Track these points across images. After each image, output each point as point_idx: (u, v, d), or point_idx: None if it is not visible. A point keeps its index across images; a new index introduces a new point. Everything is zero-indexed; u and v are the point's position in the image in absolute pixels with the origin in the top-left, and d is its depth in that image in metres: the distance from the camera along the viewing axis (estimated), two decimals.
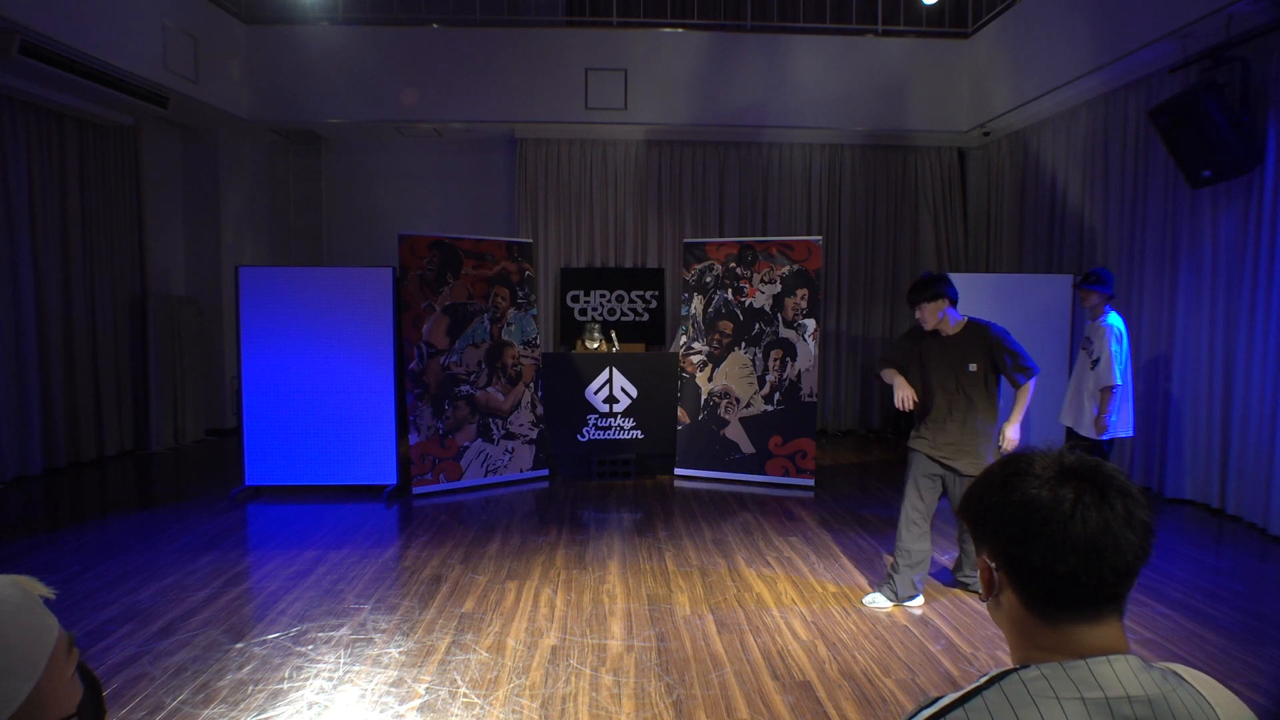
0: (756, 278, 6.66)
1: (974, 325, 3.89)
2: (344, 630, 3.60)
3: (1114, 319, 4.81)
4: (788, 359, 6.54)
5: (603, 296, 9.07)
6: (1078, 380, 5.04)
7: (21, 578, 0.89)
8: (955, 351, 3.87)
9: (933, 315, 3.87)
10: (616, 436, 6.93)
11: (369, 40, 8.20)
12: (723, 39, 8.41)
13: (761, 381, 6.61)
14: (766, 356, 6.61)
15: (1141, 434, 6.11)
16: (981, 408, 3.83)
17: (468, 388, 6.33)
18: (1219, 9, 5.04)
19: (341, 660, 3.31)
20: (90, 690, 0.96)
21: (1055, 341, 6.48)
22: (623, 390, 6.91)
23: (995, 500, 0.92)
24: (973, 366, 3.84)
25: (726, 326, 6.75)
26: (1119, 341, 4.73)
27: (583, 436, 6.90)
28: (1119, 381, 4.70)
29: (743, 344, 6.69)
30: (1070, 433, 5.15)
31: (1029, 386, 3.82)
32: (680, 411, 6.86)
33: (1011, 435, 3.84)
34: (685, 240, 7.32)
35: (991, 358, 3.83)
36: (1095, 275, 4.89)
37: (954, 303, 3.88)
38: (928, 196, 9.23)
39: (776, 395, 6.57)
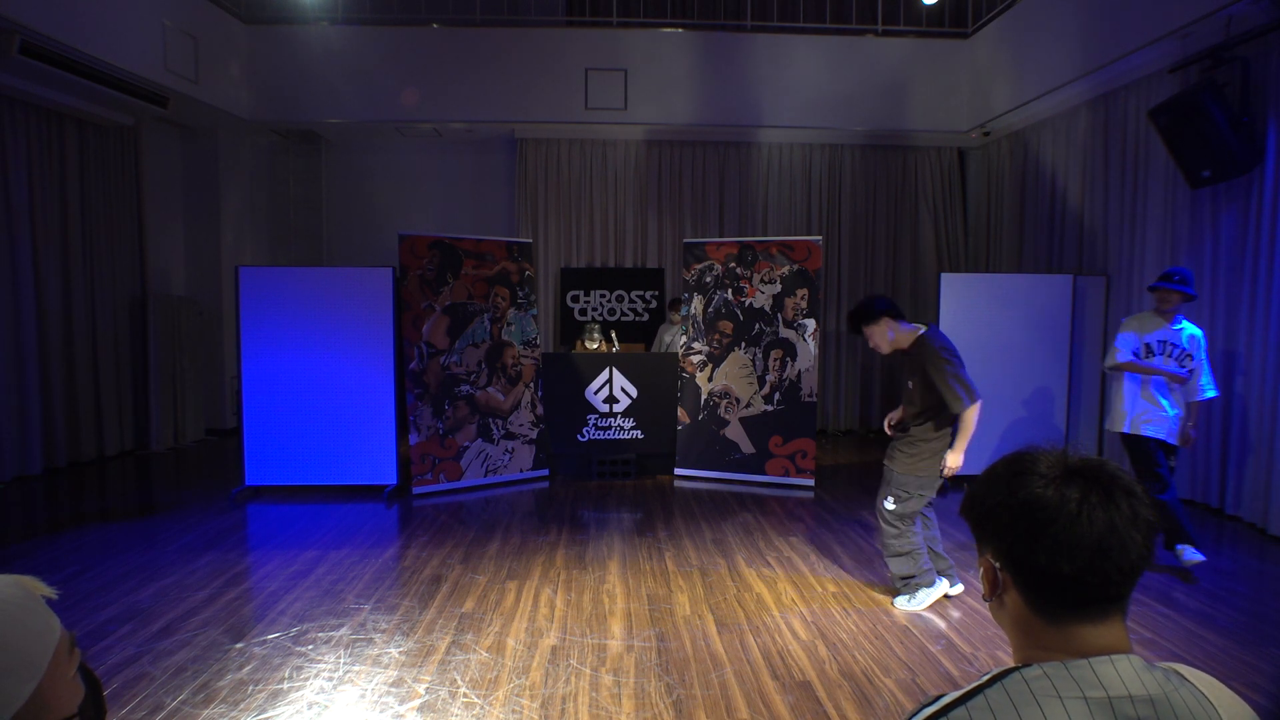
0: (756, 278, 6.66)
1: (920, 340, 3.73)
2: (344, 630, 3.60)
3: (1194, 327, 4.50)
4: (788, 359, 6.54)
5: (603, 296, 9.07)
6: (1164, 387, 4.40)
7: (23, 578, 0.88)
8: (907, 365, 3.83)
9: (881, 337, 3.77)
10: (616, 436, 6.93)
11: (369, 40, 8.20)
12: (723, 39, 8.41)
13: (761, 381, 6.61)
14: (766, 356, 6.60)
15: None
16: (920, 419, 3.77)
17: (468, 388, 6.32)
18: (1219, 9, 5.04)
19: (341, 660, 3.31)
20: (91, 690, 0.96)
21: (1055, 342, 6.47)
22: (623, 390, 6.91)
23: (1000, 499, 0.92)
24: (910, 384, 3.78)
25: (726, 326, 6.75)
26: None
27: (583, 436, 6.90)
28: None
29: (743, 344, 6.69)
30: (1136, 440, 4.46)
31: (970, 414, 3.59)
32: (680, 411, 6.86)
33: (951, 463, 3.69)
34: (685, 240, 7.31)
35: (925, 373, 3.68)
36: (1181, 276, 4.37)
37: (896, 317, 3.77)
38: (928, 196, 9.23)
39: (776, 395, 6.56)
